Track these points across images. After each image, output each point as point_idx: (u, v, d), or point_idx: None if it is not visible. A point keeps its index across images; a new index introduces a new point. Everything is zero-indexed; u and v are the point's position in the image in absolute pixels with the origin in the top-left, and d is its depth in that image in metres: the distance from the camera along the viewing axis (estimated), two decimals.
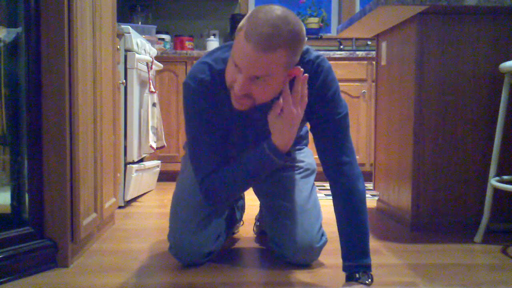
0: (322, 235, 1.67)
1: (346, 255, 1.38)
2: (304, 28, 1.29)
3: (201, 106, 1.43)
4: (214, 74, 1.42)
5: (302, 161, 1.79)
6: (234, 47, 1.28)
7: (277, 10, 1.23)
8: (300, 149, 1.83)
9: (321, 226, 1.68)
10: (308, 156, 1.83)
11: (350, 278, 1.36)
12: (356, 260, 1.36)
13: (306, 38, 1.26)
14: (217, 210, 1.70)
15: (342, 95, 1.47)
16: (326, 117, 1.42)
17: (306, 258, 1.66)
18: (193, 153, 1.51)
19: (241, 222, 2.12)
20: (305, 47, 1.43)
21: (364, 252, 1.37)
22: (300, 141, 1.82)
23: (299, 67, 1.32)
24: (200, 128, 1.46)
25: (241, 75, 1.26)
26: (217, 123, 1.47)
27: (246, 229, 2.16)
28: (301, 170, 1.76)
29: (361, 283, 1.33)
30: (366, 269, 1.36)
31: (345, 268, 1.38)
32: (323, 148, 1.44)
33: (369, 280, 1.35)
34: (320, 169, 1.53)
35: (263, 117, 1.48)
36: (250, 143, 1.55)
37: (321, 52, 3.79)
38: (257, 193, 1.83)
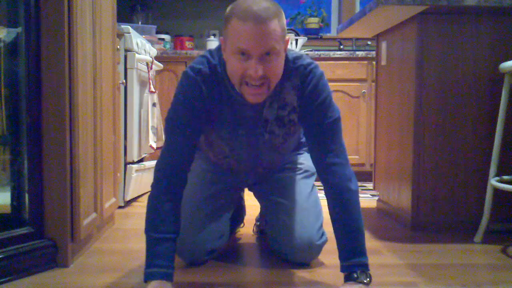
0: (322, 234, 1.67)
1: (343, 255, 1.39)
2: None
3: (193, 97, 1.42)
4: (211, 67, 1.44)
5: (302, 163, 1.79)
6: (231, 39, 1.31)
7: None
8: (300, 154, 1.83)
9: (321, 226, 1.68)
10: (308, 159, 1.82)
11: (348, 278, 1.36)
12: (352, 260, 1.36)
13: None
14: (222, 207, 1.70)
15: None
16: (317, 121, 1.44)
17: (305, 257, 1.66)
18: (165, 141, 1.46)
19: (242, 224, 2.13)
20: (299, 53, 1.48)
21: (360, 251, 1.37)
22: (300, 147, 1.83)
23: (288, 38, 1.39)
24: (181, 120, 1.42)
25: (252, 59, 1.29)
26: (204, 119, 1.46)
27: (246, 229, 2.16)
28: (301, 171, 1.77)
29: (360, 282, 1.33)
30: (364, 268, 1.36)
31: (342, 269, 1.38)
32: (315, 151, 1.46)
33: (368, 279, 1.35)
34: None
35: (255, 115, 1.49)
36: (241, 140, 1.55)
37: (321, 52, 3.81)
38: (257, 196, 1.83)
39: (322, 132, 1.43)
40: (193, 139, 1.44)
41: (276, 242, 1.71)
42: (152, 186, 1.44)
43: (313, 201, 1.71)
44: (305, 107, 1.46)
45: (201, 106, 1.43)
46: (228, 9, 1.34)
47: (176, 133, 1.43)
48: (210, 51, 1.49)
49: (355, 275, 1.34)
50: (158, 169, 1.44)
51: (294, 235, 1.63)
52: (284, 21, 1.34)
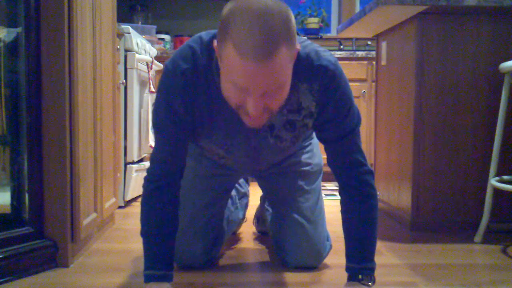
0: (327, 239, 1.68)
1: (352, 257, 1.36)
2: (287, 6, 1.09)
3: (174, 104, 1.27)
4: (198, 66, 1.25)
5: (308, 164, 1.68)
6: (226, 65, 1.07)
7: (253, 3, 1.03)
8: (305, 148, 1.70)
9: (327, 235, 1.69)
10: (314, 155, 1.72)
11: (352, 278, 1.36)
12: (361, 263, 1.35)
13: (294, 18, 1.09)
14: (217, 213, 1.68)
15: None
16: (342, 134, 1.32)
17: (310, 266, 1.65)
18: (155, 140, 1.37)
19: (244, 219, 2.11)
20: (312, 47, 1.27)
21: (371, 257, 1.36)
22: (305, 139, 1.70)
23: (298, 45, 1.15)
24: (164, 124, 1.31)
25: (251, 97, 1.07)
26: (191, 124, 1.32)
27: (246, 229, 2.16)
28: (308, 174, 1.68)
29: (363, 284, 1.33)
30: (370, 271, 1.35)
31: (348, 269, 1.37)
32: (340, 164, 1.35)
33: (371, 282, 1.34)
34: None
35: None
36: (239, 144, 1.42)
37: None
38: (262, 188, 1.79)
39: (349, 146, 1.33)
40: (182, 140, 1.33)
41: (282, 250, 1.68)
42: (145, 186, 1.38)
43: (319, 209, 1.68)
44: (325, 116, 1.31)
45: (185, 114, 1.28)
46: (224, 15, 1.05)
47: (162, 135, 1.33)
48: (200, 41, 1.26)
49: (360, 276, 1.34)
50: (149, 171, 1.37)
51: (301, 250, 1.62)
52: (293, 28, 1.06)
